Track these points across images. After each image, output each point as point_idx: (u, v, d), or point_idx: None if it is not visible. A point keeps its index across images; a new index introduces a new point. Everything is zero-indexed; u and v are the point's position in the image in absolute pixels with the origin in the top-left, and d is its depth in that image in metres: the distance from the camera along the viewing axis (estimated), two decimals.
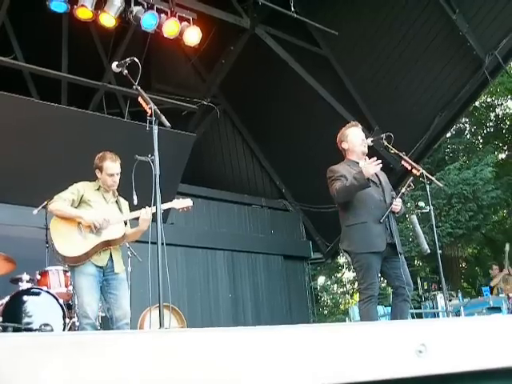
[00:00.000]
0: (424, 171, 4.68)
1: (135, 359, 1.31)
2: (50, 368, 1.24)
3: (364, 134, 4.80)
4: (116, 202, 4.69)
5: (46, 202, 5.03)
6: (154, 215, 3.90)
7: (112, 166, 4.55)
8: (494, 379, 1.71)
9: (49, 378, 1.23)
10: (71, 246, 4.38)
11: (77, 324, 4.99)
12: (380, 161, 4.35)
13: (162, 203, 3.98)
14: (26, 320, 5.06)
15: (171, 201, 4.72)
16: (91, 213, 4.45)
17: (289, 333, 1.63)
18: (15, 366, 1.23)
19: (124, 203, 4.74)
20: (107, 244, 4.47)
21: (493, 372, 1.69)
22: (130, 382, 1.29)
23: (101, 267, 4.44)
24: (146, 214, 4.38)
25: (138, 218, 4.52)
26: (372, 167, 4.28)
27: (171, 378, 1.32)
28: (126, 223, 4.65)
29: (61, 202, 4.46)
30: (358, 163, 4.60)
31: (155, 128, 3.72)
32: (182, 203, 4.71)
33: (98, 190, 4.63)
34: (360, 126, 4.82)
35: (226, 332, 1.55)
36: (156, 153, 3.70)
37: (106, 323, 4.69)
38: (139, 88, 3.97)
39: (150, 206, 3.97)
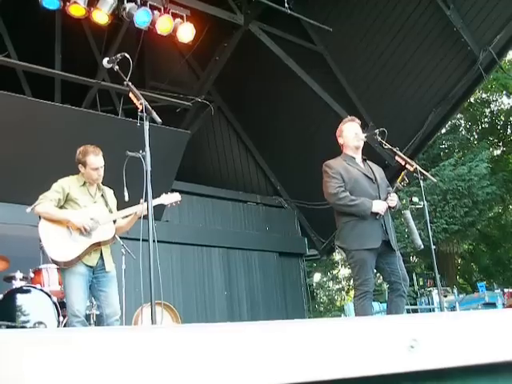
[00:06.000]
0: (418, 166, 4.67)
1: (122, 355, 1.29)
2: (35, 365, 1.23)
3: (360, 128, 4.80)
4: (102, 195, 4.64)
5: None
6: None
7: (95, 160, 4.49)
8: (485, 374, 1.71)
9: (34, 375, 1.22)
10: (62, 250, 4.33)
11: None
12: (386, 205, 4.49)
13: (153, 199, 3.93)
14: (19, 318, 5.03)
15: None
16: (79, 214, 4.39)
17: (279, 328, 1.62)
18: (0, 362, 1.22)
19: (109, 192, 4.71)
20: (98, 245, 4.44)
21: (484, 367, 1.68)
22: (117, 379, 1.27)
23: (91, 266, 4.41)
24: (139, 212, 4.29)
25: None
26: (383, 208, 4.43)
27: (159, 375, 1.31)
28: (114, 222, 4.60)
29: (47, 204, 4.39)
30: (354, 158, 4.64)
31: (146, 124, 3.69)
32: (170, 198, 4.68)
33: (83, 185, 4.56)
34: (357, 120, 4.83)
35: (216, 327, 1.54)
36: (147, 149, 3.67)
37: (100, 321, 4.68)
38: (130, 84, 3.95)
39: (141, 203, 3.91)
